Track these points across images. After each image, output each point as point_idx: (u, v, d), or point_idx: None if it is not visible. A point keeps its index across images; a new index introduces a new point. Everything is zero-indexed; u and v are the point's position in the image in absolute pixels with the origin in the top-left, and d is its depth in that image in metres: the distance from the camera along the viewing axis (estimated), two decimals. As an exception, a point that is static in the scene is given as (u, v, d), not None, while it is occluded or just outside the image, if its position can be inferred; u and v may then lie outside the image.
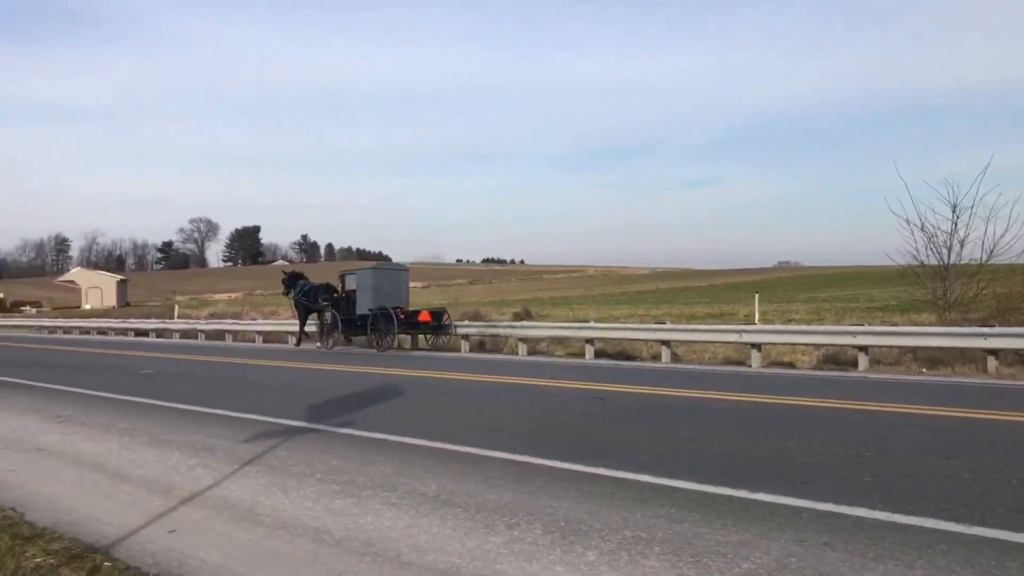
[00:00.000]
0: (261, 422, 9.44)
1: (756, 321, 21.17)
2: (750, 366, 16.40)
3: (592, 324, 19.86)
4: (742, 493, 5.69)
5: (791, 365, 16.83)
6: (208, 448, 8.04)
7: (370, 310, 23.07)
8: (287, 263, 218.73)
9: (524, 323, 21.87)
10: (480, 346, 22.57)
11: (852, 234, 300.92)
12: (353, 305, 24.02)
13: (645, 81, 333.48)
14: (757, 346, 16.66)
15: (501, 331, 21.33)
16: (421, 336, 24.03)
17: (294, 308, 26.32)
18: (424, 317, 23.16)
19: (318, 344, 24.94)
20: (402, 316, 22.86)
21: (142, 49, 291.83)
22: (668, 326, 18.52)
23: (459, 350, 21.99)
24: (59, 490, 6.71)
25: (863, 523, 4.98)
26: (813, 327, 17.84)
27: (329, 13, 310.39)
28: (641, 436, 7.91)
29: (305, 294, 25.45)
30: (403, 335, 23.64)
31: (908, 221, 19.23)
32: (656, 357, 18.84)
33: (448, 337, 23.19)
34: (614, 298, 69.78)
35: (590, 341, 19.03)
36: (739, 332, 17.12)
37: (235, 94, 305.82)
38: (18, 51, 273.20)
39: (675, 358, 18.26)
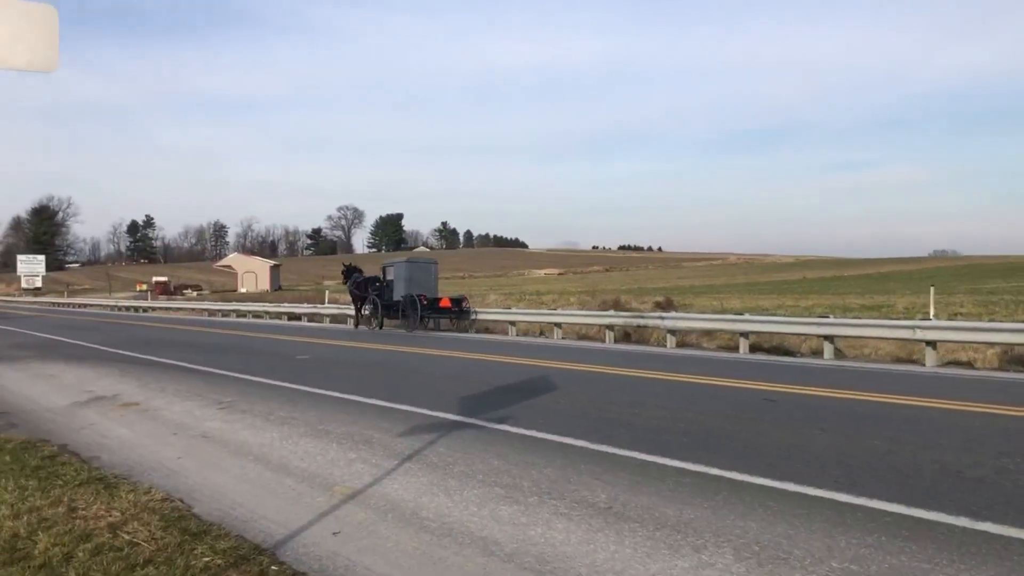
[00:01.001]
0: (415, 414, 9.28)
1: (931, 315, 19.58)
2: (923, 364, 15.12)
3: (748, 316, 18.89)
4: (962, 522, 4.96)
5: (969, 364, 15.42)
6: (366, 441, 7.90)
7: (402, 297, 26.80)
8: (427, 249, 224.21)
9: (673, 314, 21.08)
10: (625, 337, 21.98)
11: (1017, 221, 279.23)
12: (392, 293, 27.79)
13: (792, 61, 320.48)
14: (932, 343, 15.33)
15: (649, 322, 20.65)
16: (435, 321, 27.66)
17: (350, 295, 30.55)
18: (444, 303, 26.92)
19: (364, 326, 28.96)
20: (425, 302, 26.47)
21: (295, 42, 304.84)
22: (832, 320, 17.35)
23: (603, 340, 21.49)
24: (223, 481, 6.70)
25: None
26: (998, 324, 16.29)
27: (472, 3, 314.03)
28: (826, 446, 7.19)
29: (357, 285, 29.62)
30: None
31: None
32: (817, 353, 17.72)
33: (470, 321, 26.58)
34: (759, 287, 67.39)
35: (745, 335, 18.11)
36: (912, 328, 15.80)
37: (381, 84, 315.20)
38: (188, 47, 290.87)
39: (838, 354, 17.12)
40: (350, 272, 30.48)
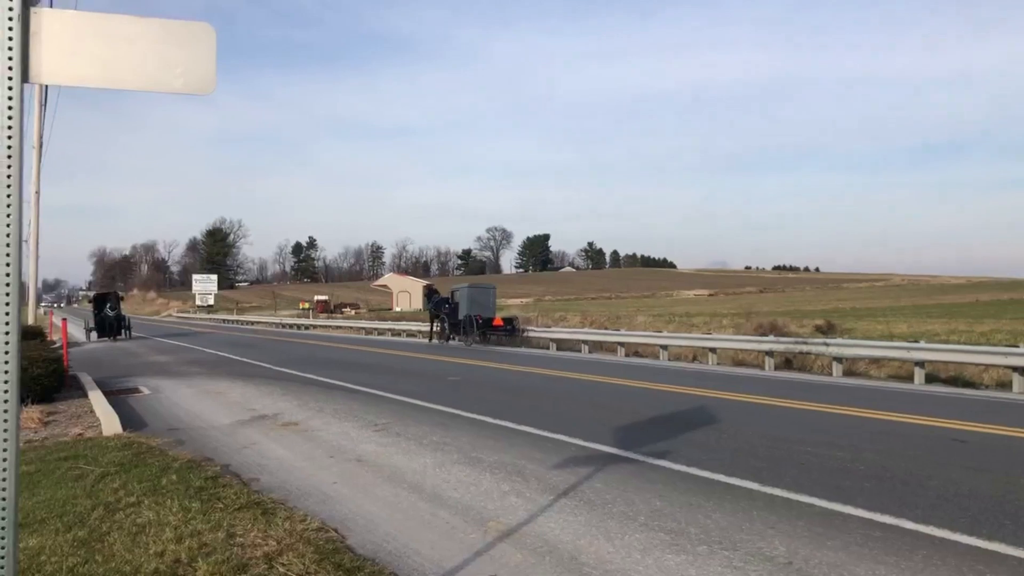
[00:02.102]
0: (568, 444, 8.95)
1: None
2: None
3: (924, 344, 17.44)
4: None
5: None
6: (519, 472, 7.63)
7: (463, 316, 31.38)
8: (574, 270, 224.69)
9: (839, 340, 19.81)
10: (785, 364, 20.86)
11: None
12: (457, 313, 32.15)
13: (959, 71, 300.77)
14: None
15: (813, 348, 19.46)
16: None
17: (429, 314, 35.66)
18: (497, 323, 31.26)
19: (435, 341, 33.43)
20: (480, 321, 30.71)
21: (446, 67, 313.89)
22: (1023, 350, 15.75)
23: (762, 367, 20.46)
24: (377, 510, 6.57)
25: None
26: None
27: (623, 24, 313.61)
28: (1037, 499, 6.32)
29: (435, 305, 34.30)
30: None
31: None
32: (1003, 385, 16.16)
33: (521, 338, 30.67)
34: (926, 310, 63.12)
35: (920, 364, 16.73)
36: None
37: (529, 105, 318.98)
38: (349, 75, 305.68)
39: (1030, 387, 15.53)
40: (431, 294, 35.96)
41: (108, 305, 38.89)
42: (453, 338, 32.54)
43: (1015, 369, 15.38)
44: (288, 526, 5.80)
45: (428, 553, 5.43)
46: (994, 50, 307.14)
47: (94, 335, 38.44)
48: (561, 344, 29.14)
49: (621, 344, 25.95)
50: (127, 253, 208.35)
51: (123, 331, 39.10)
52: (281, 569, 4.95)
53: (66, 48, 2.71)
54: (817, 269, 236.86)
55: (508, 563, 5.18)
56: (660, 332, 27.26)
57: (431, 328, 34.60)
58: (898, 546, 5.18)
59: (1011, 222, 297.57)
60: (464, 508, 6.51)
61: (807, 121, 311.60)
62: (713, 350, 22.13)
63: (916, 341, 18.42)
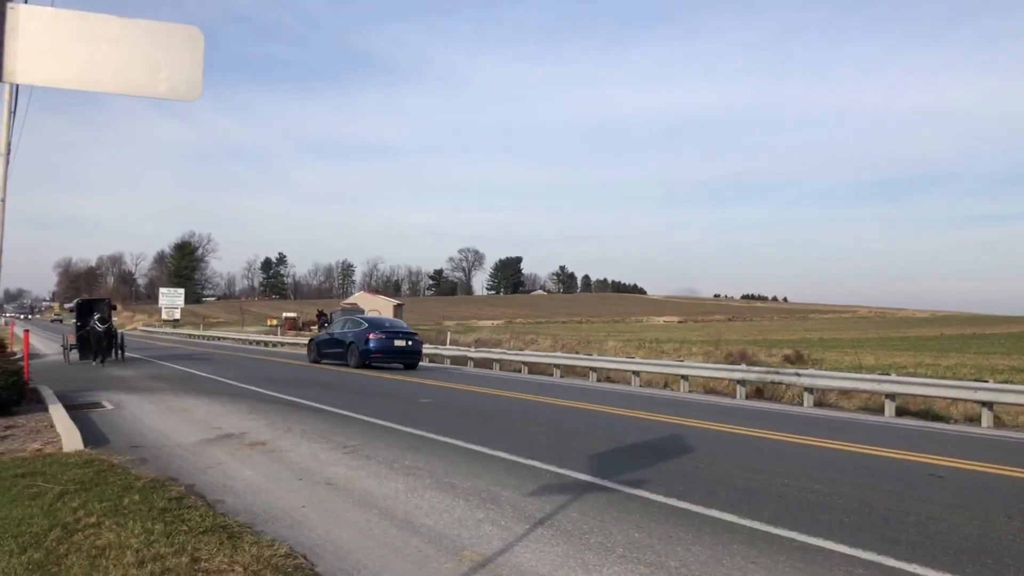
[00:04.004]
0: (543, 471, 8.80)
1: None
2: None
3: (895, 377, 17.56)
4: None
5: None
6: (494, 499, 7.47)
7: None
8: (545, 293, 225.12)
9: (812, 371, 19.89)
10: (756, 393, 20.90)
11: None
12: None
13: (931, 109, 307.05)
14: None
15: (785, 378, 19.52)
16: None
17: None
18: None
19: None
20: None
21: (423, 89, 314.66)
22: (992, 385, 15.90)
23: (733, 396, 20.47)
24: (347, 536, 6.37)
25: None
26: None
27: (599, 52, 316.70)
28: (1018, 538, 6.27)
29: (320, 326, 40.30)
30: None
31: None
32: (972, 419, 16.32)
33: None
34: (892, 343, 64.04)
35: (891, 396, 16.82)
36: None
37: (505, 129, 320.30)
38: (324, 93, 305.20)
39: (997, 422, 15.66)
40: (320, 316, 47.39)
41: (97, 316, 28.08)
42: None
43: (983, 404, 15.51)
44: (255, 551, 5.59)
45: (401, 583, 5.25)
46: (962, 88, 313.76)
47: (75, 355, 28.88)
48: (532, 368, 29.03)
49: (593, 369, 25.90)
50: (93, 264, 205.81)
51: (115, 351, 29.67)
52: (248, 598, 4.74)
53: (44, 47, 2.57)
54: (785, 299, 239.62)
55: (484, 595, 5.02)
56: (632, 358, 27.27)
57: None
58: (882, 584, 5.09)
59: (975, 258, 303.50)
60: (437, 536, 6.33)
61: (777, 153, 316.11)
62: (685, 377, 22.13)
63: (887, 373, 18.56)
